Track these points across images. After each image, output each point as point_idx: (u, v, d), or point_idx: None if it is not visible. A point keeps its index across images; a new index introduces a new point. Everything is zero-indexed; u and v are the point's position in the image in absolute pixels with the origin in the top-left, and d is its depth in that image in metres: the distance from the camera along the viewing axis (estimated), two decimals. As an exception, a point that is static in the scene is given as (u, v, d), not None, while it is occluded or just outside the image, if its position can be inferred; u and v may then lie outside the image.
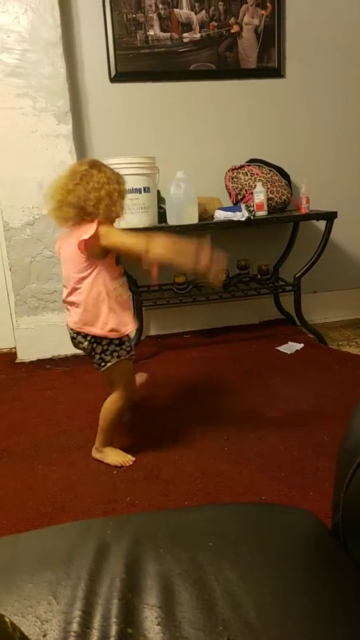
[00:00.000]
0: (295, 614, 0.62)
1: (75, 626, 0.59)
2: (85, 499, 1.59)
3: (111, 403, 1.73)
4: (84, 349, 1.70)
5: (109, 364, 1.67)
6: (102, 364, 1.68)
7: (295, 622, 0.61)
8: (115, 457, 1.76)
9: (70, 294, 1.66)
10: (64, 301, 1.71)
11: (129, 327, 1.67)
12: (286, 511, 0.85)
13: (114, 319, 1.63)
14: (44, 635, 0.58)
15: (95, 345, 1.67)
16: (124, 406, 1.74)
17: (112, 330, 1.63)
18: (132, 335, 1.73)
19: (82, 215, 1.59)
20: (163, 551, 0.71)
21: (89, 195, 1.56)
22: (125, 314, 1.66)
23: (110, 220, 1.63)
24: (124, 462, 1.74)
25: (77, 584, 0.65)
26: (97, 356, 1.68)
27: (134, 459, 1.76)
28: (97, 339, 1.66)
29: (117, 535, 0.74)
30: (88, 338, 1.66)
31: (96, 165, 1.62)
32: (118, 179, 1.63)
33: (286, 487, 1.58)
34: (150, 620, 0.60)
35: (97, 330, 1.64)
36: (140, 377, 1.98)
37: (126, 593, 0.64)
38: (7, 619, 0.52)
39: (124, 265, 1.74)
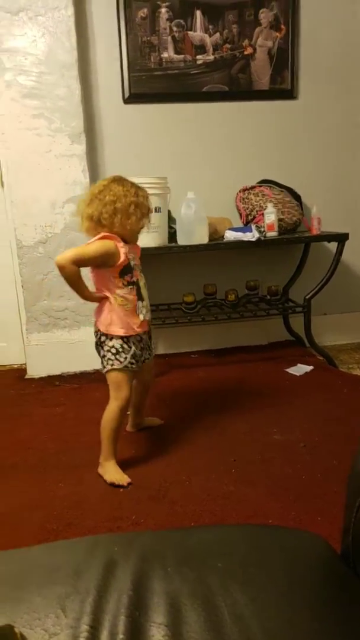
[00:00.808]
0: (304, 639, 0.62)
1: (82, 641, 0.59)
2: (92, 517, 1.58)
3: (105, 412, 1.77)
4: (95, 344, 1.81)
5: (105, 370, 1.77)
6: (103, 368, 1.80)
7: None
8: (112, 474, 1.76)
9: None
10: None
11: (119, 331, 1.74)
12: (295, 534, 0.84)
13: (115, 321, 1.73)
14: (52, 649, 0.58)
15: (98, 344, 1.79)
16: (117, 415, 1.75)
17: (104, 327, 1.75)
18: (132, 350, 1.77)
19: (98, 228, 1.68)
20: (171, 570, 0.70)
21: (104, 208, 1.65)
22: (125, 321, 1.74)
23: (127, 233, 1.70)
24: (118, 481, 1.73)
25: (85, 598, 0.65)
26: (100, 359, 1.80)
27: (129, 480, 1.74)
28: (100, 338, 1.77)
29: (124, 553, 0.74)
30: (97, 334, 1.79)
31: (118, 179, 1.71)
32: (137, 192, 1.69)
33: (294, 511, 1.56)
34: (157, 638, 0.60)
35: (101, 326, 1.76)
36: (152, 422, 2.15)
37: (133, 610, 0.63)
38: (16, 630, 0.52)
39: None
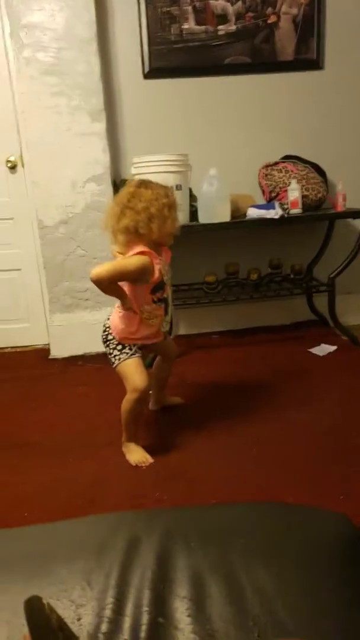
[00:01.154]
0: (327, 617, 0.62)
1: (108, 612, 0.59)
2: (114, 494, 1.60)
3: (124, 402, 1.78)
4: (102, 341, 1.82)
5: (114, 365, 1.78)
6: (112, 364, 1.79)
7: (328, 624, 0.60)
8: (134, 455, 1.78)
9: None
10: None
11: (132, 341, 1.76)
12: (318, 513, 0.84)
13: (131, 332, 1.75)
14: (79, 619, 0.59)
15: (105, 340, 1.79)
16: (133, 405, 1.75)
17: (117, 332, 1.76)
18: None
19: (136, 239, 1.64)
20: (193, 546, 0.71)
21: (139, 217, 1.60)
22: (140, 333, 1.75)
23: (165, 236, 1.67)
24: (140, 462, 1.75)
25: (109, 573, 0.66)
26: (108, 356, 1.80)
27: (152, 460, 1.76)
28: (108, 336, 1.79)
29: (147, 529, 0.75)
30: (106, 329, 1.80)
31: (143, 183, 1.66)
32: (166, 192, 1.65)
33: (316, 492, 1.55)
34: (181, 611, 0.60)
35: (115, 329, 1.77)
36: (174, 400, 2.16)
37: (157, 584, 0.64)
38: (44, 601, 0.53)
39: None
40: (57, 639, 0.52)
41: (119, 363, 1.75)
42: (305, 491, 1.55)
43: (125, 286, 1.70)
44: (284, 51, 2.77)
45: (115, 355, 1.76)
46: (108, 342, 1.78)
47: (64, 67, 2.51)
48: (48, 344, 2.95)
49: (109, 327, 1.79)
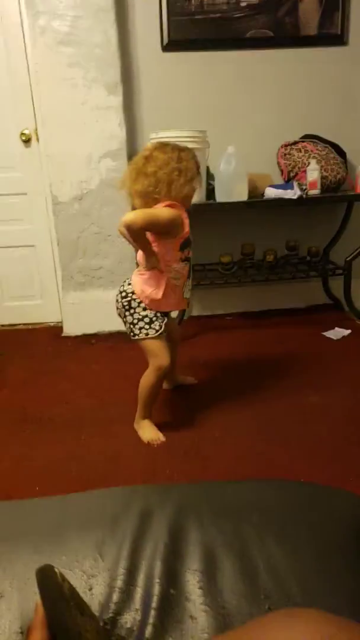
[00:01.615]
0: (339, 594, 0.61)
1: (119, 583, 0.59)
2: (126, 470, 1.61)
3: (143, 377, 1.76)
4: (118, 309, 1.77)
5: (137, 337, 1.73)
6: (132, 334, 1.74)
7: (339, 601, 0.60)
8: (147, 433, 1.78)
9: None
10: None
11: (161, 306, 1.71)
12: (332, 492, 0.83)
13: (158, 294, 1.68)
14: (90, 589, 0.59)
15: (126, 309, 1.73)
16: (155, 381, 1.74)
17: (145, 296, 1.70)
18: (163, 319, 1.74)
19: (151, 202, 1.62)
20: (206, 521, 0.70)
21: (148, 181, 1.59)
22: (167, 297, 1.70)
23: (179, 200, 1.63)
24: (152, 440, 1.75)
25: (121, 544, 0.65)
26: (128, 325, 1.74)
27: (164, 438, 1.76)
28: (131, 303, 1.72)
29: (160, 502, 0.74)
30: (127, 296, 1.73)
31: (160, 146, 1.65)
32: (180, 155, 1.61)
33: (327, 473, 1.55)
34: (192, 584, 0.60)
35: (140, 292, 1.71)
36: (187, 380, 2.15)
37: (169, 557, 0.64)
38: (56, 570, 0.52)
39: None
40: (69, 608, 0.52)
41: (146, 338, 1.71)
42: (318, 472, 1.55)
43: (153, 243, 1.66)
44: (307, 25, 2.69)
45: (141, 328, 1.70)
46: (132, 310, 1.71)
47: (80, 37, 2.46)
48: (61, 322, 2.95)
49: (132, 292, 1.71)
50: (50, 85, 2.51)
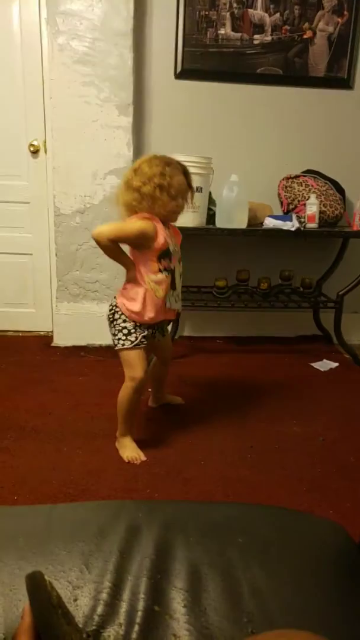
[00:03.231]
0: (319, 622, 0.62)
1: (104, 596, 0.60)
2: (107, 486, 1.61)
3: (121, 390, 1.77)
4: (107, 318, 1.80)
5: (116, 348, 1.76)
6: (114, 345, 1.78)
7: (320, 629, 0.61)
8: (128, 451, 1.78)
9: None
10: None
11: (140, 317, 1.72)
12: (317, 521, 0.84)
13: (138, 306, 1.71)
14: (75, 600, 0.59)
15: (111, 321, 1.77)
16: (131, 394, 1.74)
17: (126, 309, 1.73)
18: (143, 331, 1.75)
19: (134, 215, 1.66)
20: (193, 540, 0.71)
21: (132, 196, 1.62)
22: (145, 308, 1.71)
23: (162, 215, 1.66)
24: (132, 459, 1.75)
25: (108, 558, 0.66)
26: (111, 336, 1.78)
27: (144, 458, 1.75)
28: (114, 315, 1.75)
29: (148, 519, 0.75)
30: (112, 308, 1.77)
31: (148, 160, 1.65)
32: (163, 172, 1.60)
33: (306, 502, 1.56)
34: (177, 602, 0.61)
35: (121, 304, 1.74)
36: (174, 399, 2.17)
37: (155, 573, 0.64)
38: (47, 578, 0.53)
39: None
40: (57, 615, 0.52)
41: (122, 349, 1.74)
42: (297, 499, 1.56)
43: (130, 253, 1.71)
44: (316, 67, 2.79)
45: (119, 339, 1.73)
46: (114, 322, 1.75)
47: (97, 58, 2.53)
48: (51, 332, 2.96)
49: (115, 305, 1.75)
50: (64, 101, 2.57)
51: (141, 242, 1.65)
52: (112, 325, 1.76)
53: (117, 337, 1.75)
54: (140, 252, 1.68)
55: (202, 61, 2.72)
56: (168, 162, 1.64)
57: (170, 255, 1.71)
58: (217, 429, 1.98)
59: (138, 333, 1.73)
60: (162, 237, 1.65)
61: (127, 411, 1.77)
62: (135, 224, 1.63)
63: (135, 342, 1.73)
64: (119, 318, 1.74)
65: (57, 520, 0.75)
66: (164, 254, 1.69)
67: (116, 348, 1.76)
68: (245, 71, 2.76)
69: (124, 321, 1.73)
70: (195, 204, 2.43)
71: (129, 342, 1.72)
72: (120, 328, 1.74)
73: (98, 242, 1.62)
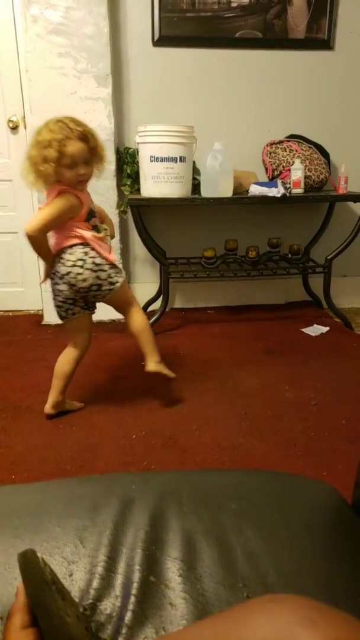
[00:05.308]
0: (314, 581, 0.63)
1: (100, 569, 0.61)
2: (104, 460, 1.62)
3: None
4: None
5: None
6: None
7: (314, 588, 0.62)
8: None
9: None
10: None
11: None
12: (309, 483, 0.85)
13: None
14: (70, 575, 0.60)
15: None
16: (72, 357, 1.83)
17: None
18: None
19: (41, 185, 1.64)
20: (186, 509, 0.72)
21: (26, 171, 1.59)
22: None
23: (68, 184, 1.62)
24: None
25: (102, 531, 0.67)
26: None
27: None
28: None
29: (141, 491, 0.76)
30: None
31: (46, 124, 1.58)
32: (42, 140, 1.54)
33: (300, 466, 1.59)
34: (172, 571, 0.62)
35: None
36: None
37: (149, 545, 0.65)
38: (39, 555, 0.54)
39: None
40: (51, 592, 0.53)
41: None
42: (292, 464, 1.59)
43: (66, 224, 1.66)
44: (295, 29, 2.71)
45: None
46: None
47: (72, 28, 2.44)
48: (41, 310, 2.94)
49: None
50: (40, 73, 2.49)
51: (70, 215, 1.65)
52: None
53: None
54: (67, 224, 1.66)
55: (180, 27, 2.64)
56: (58, 126, 1.56)
57: (95, 214, 1.73)
58: (210, 398, 1.99)
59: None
60: (82, 199, 1.65)
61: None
62: (60, 203, 1.60)
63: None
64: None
65: (50, 496, 0.76)
66: (90, 214, 1.70)
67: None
68: (224, 35, 2.68)
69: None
70: (179, 174, 2.40)
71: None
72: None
73: (34, 239, 1.61)
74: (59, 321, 2.82)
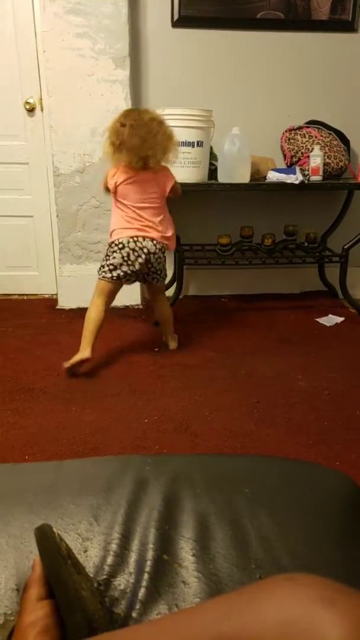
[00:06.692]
0: (328, 566, 0.63)
1: (114, 547, 0.61)
2: (116, 443, 1.63)
3: (166, 305, 2.35)
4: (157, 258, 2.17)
5: (161, 280, 2.28)
6: (161, 278, 2.26)
7: (328, 573, 0.62)
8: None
9: None
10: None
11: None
12: (324, 471, 0.85)
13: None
14: (85, 551, 0.60)
15: (158, 258, 2.18)
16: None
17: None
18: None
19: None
20: (199, 491, 0.72)
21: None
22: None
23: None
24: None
25: (116, 510, 0.67)
26: (155, 272, 2.20)
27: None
28: (163, 253, 2.19)
29: (155, 472, 0.76)
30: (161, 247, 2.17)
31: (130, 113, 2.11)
32: (118, 133, 2.02)
33: (313, 454, 1.58)
34: (186, 550, 0.62)
35: (168, 239, 2.20)
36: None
37: (163, 524, 0.66)
38: (55, 530, 0.54)
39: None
40: (67, 566, 0.54)
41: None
42: (304, 452, 1.58)
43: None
44: (318, 9, 2.65)
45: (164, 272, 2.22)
46: (162, 259, 2.16)
47: (90, 7, 2.41)
48: (56, 294, 2.95)
49: (163, 244, 2.14)
50: (57, 54, 2.47)
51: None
52: (159, 262, 2.13)
53: (163, 272, 2.20)
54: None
55: (200, 7, 2.58)
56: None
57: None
58: (223, 385, 1.99)
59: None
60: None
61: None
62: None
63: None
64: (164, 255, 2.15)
65: (64, 475, 0.76)
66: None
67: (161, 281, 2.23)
68: (245, 16, 2.62)
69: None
70: (195, 159, 2.38)
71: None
72: (164, 264, 2.17)
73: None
74: (74, 306, 2.86)
